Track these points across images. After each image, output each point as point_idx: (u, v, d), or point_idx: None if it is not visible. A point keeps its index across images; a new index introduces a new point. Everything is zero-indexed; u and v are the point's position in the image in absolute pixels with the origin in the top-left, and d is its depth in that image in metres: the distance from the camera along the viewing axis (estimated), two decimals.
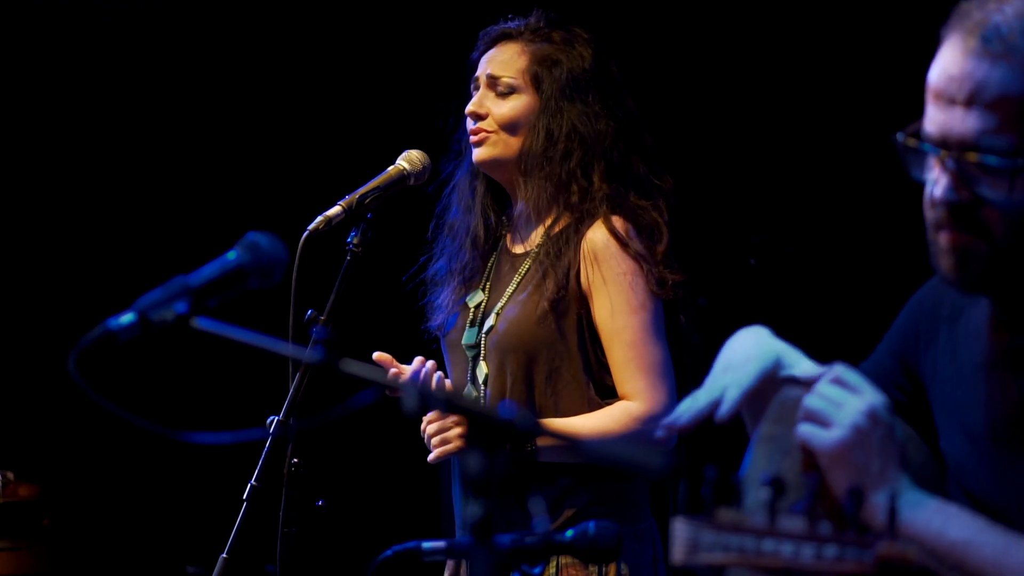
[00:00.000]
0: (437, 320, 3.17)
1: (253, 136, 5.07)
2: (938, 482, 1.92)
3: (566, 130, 3.04)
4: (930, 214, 1.84)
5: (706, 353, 4.38)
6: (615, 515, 2.92)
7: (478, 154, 3.09)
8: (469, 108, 3.10)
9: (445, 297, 3.16)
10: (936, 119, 1.81)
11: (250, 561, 2.89)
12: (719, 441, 4.63)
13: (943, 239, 1.83)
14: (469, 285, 3.15)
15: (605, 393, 2.99)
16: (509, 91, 3.08)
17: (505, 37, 3.14)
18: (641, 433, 2.91)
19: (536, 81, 3.08)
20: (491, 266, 3.16)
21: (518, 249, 3.13)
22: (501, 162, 3.08)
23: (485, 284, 3.13)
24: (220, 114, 5.06)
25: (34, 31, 4.95)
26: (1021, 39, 1.76)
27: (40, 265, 5.09)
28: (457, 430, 2.96)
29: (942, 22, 1.87)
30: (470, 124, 3.11)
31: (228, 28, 5.00)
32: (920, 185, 1.88)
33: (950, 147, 1.79)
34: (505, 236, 3.18)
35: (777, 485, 1.52)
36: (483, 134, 3.08)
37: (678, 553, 1.52)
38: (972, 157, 1.77)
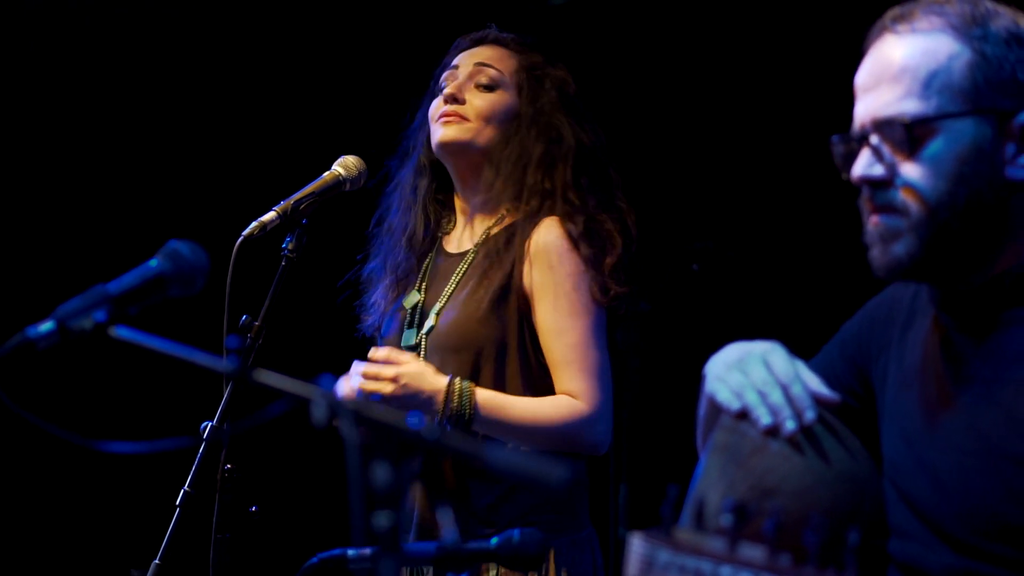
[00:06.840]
0: (370, 319, 3.14)
1: (187, 141, 5.03)
2: (863, 479, 1.92)
3: (552, 139, 3.02)
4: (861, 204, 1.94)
5: (645, 376, 4.39)
6: (555, 523, 2.94)
7: (445, 134, 3.03)
8: (448, 90, 3.04)
9: (378, 296, 3.13)
10: (857, 112, 1.95)
11: (184, 567, 2.88)
12: (659, 449, 4.65)
13: (871, 225, 1.92)
14: (403, 284, 3.11)
15: (541, 396, 2.95)
16: (493, 85, 3.06)
17: (493, 41, 3.12)
18: (575, 432, 2.90)
19: (523, 85, 3.06)
20: (427, 266, 3.12)
21: (455, 249, 3.10)
22: (466, 146, 3.04)
23: (421, 284, 3.09)
24: (153, 119, 5.01)
25: None
26: (922, 16, 1.91)
27: None
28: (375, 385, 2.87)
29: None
30: (440, 107, 3.05)
31: (161, 33, 4.94)
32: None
33: (867, 130, 1.92)
34: (441, 237, 3.15)
35: (740, 512, 1.51)
36: (456, 117, 3.03)
37: (632, 569, 1.52)
38: (884, 129, 1.89)
